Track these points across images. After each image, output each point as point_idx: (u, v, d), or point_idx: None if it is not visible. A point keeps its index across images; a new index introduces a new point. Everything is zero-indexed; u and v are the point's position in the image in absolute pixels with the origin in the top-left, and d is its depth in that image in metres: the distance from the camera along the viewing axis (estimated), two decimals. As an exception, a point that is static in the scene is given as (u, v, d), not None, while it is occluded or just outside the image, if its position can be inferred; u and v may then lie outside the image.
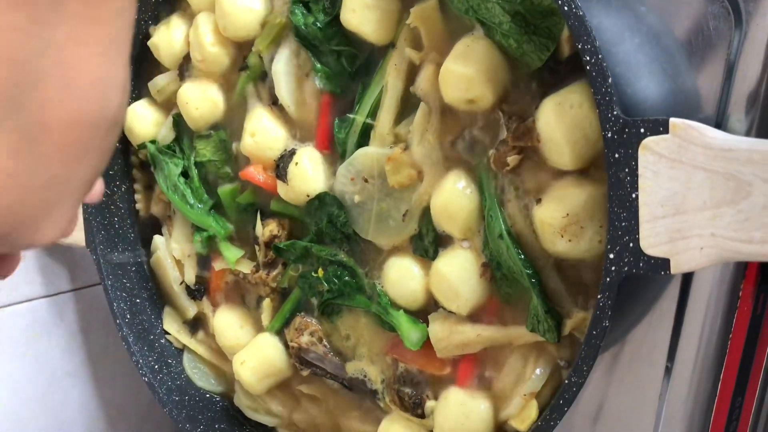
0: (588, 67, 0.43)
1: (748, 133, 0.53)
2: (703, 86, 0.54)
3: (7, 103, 0.22)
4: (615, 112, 0.43)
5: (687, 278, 0.58)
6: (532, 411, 0.52)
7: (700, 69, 0.55)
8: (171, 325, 0.75)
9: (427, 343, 0.58)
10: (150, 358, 0.73)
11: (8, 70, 0.21)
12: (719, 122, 0.53)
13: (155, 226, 0.76)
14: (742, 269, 0.58)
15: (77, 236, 0.75)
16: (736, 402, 0.66)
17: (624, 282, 0.45)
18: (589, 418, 0.63)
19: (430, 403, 0.59)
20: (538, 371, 0.53)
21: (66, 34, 0.22)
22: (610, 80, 0.43)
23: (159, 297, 0.76)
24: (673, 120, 0.41)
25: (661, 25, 0.55)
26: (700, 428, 0.61)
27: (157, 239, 0.75)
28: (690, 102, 0.55)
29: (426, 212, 0.56)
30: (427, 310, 0.58)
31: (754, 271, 0.59)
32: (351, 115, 0.59)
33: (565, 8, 0.44)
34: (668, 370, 0.60)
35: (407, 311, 0.59)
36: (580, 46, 0.44)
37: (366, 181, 0.59)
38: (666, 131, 0.41)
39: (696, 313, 0.58)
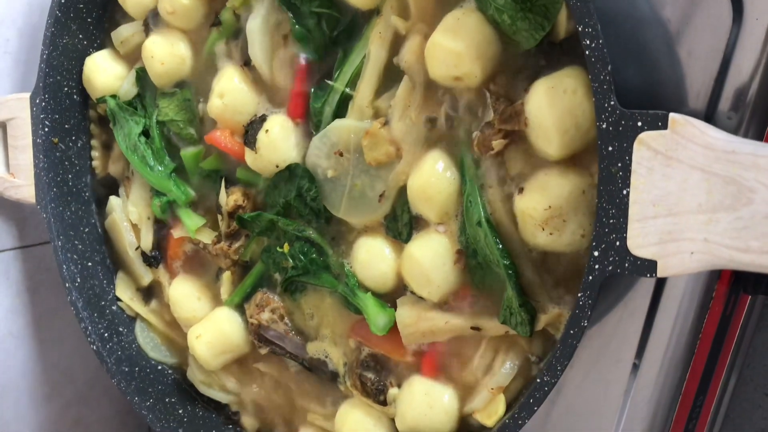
0: (588, 52, 0.41)
1: (737, 129, 0.51)
2: (696, 77, 0.52)
3: None
4: (612, 103, 0.40)
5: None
6: (500, 406, 0.51)
7: (693, 60, 0.52)
8: (124, 292, 0.71)
9: (393, 329, 0.56)
10: (100, 326, 0.70)
11: None
12: (709, 115, 0.51)
13: (112, 186, 0.72)
14: (717, 269, 0.57)
15: (26, 192, 0.70)
16: (698, 401, 0.65)
17: (606, 281, 0.43)
18: (545, 411, 0.61)
19: (392, 391, 0.56)
20: (507, 365, 0.51)
21: None
22: (609, 67, 0.40)
23: (112, 261, 0.72)
24: (672, 115, 0.39)
25: (657, 11, 0.53)
26: (661, 426, 0.61)
27: (113, 200, 0.71)
28: (680, 92, 0.53)
29: (402, 192, 0.53)
30: (395, 293, 0.56)
31: (728, 272, 0.58)
32: (329, 82, 0.55)
33: (569, -14, 0.41)
34: (635, 368, 0.59)
35: (375, 294, 0.56)
36: (580, 29, 0.41)
37: (341, 155, 0.55)
38: (665, 127, 0.39)
39: (669, 311, 0.57)
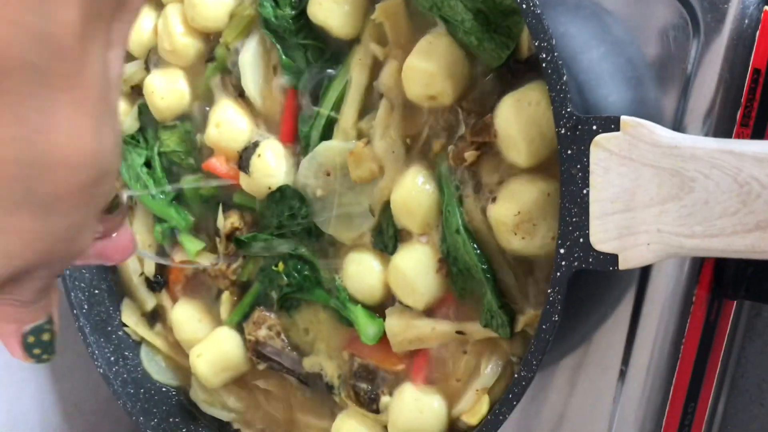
0: (544, 65, 0.44)
1: (706, 134, 0.54)
2: (663, 96, 0.56)
3: (22, 194, 0.26)
4: (568, 109, 0.44)
5: (642, 283, 0.59)
6: (483, 405, 0.53)
7: (660, 79, 0.56)
8: (129, 317, 0.74)
9: (383, 339, 0.58)
10: (106, 350, 0.72)
11: (17, 168, 0.26)
12: (677, 125, 0.54)
13: (117, 216, 0.75)
14: (696, 274, 0.59)
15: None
16: (689, 407, 0.67)
17: (575, 277, 0.45)
18: (535, 421, 0.63)
19: (385, 399, 0.59)
20: (491, 367, 0.54)
21: (52, 122, 0.26)
22: (564, 77, 0.44)
23: (118, 288, 0.76)
24: (624, 118, 0.42)
25: (626, 35, 0.56)
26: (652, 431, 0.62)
27: (119, 230, 0.74)
28: (650, 111, 0.56)
29: (387, 207, 0.57)
30: (384, 304, 0.58)
31: (707, 277, 0.60)
32: (315, 108, 0.59)
33: (524, 6, 0.45)
34: (622, 374, 0.60)
35: (365, 306, 0.59)
36: (536, 44, 0.44)
37: (328, 174, 0.59)
38: (617, 128, 0.42)
39: (651, 317, 0.59)
